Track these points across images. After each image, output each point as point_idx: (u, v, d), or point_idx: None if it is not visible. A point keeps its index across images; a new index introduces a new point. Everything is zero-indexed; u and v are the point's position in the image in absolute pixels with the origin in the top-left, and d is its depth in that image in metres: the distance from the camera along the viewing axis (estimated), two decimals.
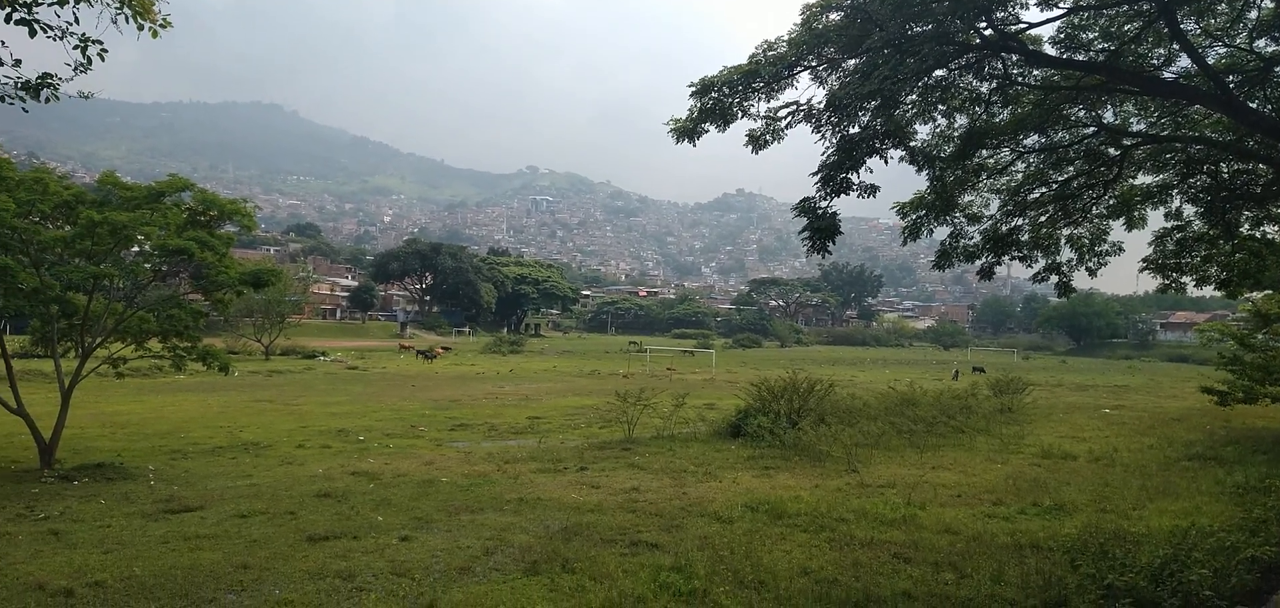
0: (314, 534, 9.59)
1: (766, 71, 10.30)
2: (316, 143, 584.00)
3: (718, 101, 10.50)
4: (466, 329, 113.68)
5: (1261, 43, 12.51)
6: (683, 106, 10.94)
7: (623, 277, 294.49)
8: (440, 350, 68.51)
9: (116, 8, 6.38)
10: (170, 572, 8.04)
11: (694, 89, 10.59)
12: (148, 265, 15.96)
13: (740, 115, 10.77)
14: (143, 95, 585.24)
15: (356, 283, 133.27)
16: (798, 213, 10.25)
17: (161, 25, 6.59)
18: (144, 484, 13.32)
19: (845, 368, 58.08)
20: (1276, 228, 14.97)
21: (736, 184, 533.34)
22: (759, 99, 10.72)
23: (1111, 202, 14.60)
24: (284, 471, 15.03)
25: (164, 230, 14.94)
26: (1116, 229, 14.86)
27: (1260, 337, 22.12)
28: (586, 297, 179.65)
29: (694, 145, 10.97)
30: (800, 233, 10.21)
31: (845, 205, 10.81)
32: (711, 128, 10.73)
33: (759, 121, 10.86)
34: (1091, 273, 14.71)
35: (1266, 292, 23.21)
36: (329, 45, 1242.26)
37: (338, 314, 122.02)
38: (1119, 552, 8.64)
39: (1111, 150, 13.92)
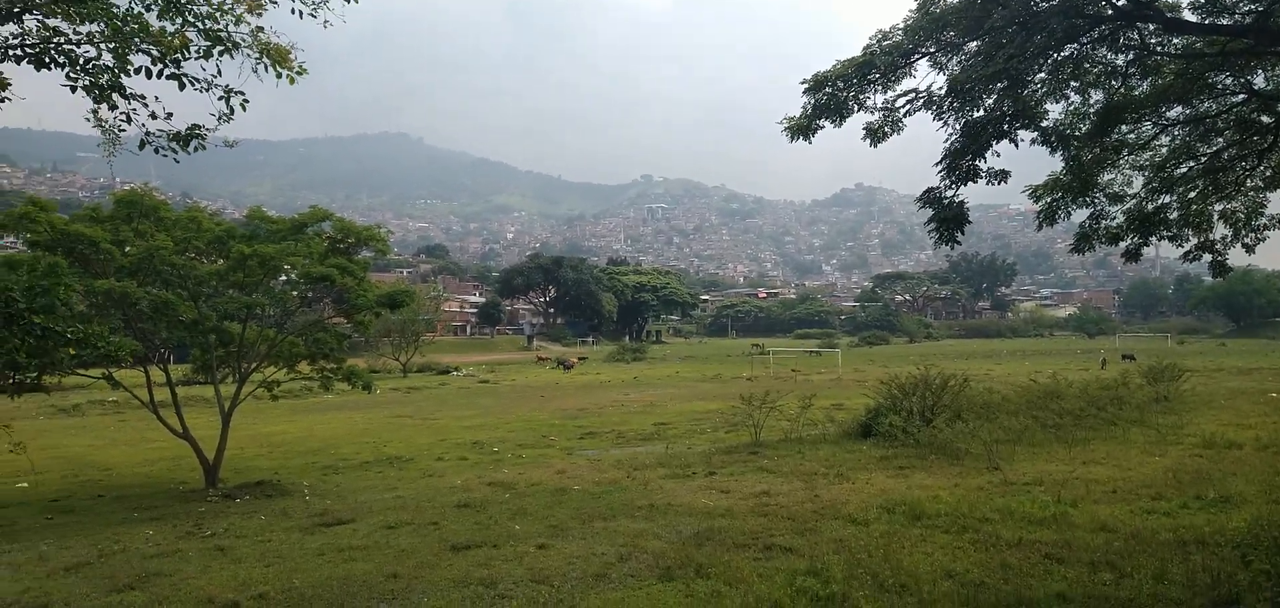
0: (457, 544, 9.97)
1: (882, 61, 10.05)
2: (440, 167, 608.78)
3: (832, 96, 10.30)
4: (590, 339, 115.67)
5: None
6: (796, 104, 10.81)
7: (741, 279, 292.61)
8: (576, 361, 70.17)
9: (257, 58, 6.88)
10: (326, 583, 8.53)
11: (807, 85, 10.44)
12: (294, 292, 17.00)
13: (856, 108, 10.53)
14: (282, 134, 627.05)
15: (484, 299, 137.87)
16: (922, 204, 9.93)
17: (298, 72, 7.05)
18: (299, 500, 14.19)
19: (979, 361, 55.77)
20: None
21: (854, 178, 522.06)
22: (875, 90, 10.46)
23: (1268, 172, 13.48)
24: (426, 483, 15.70)
25: (308, 259, 15.89)
26: (1275, 201, 13.75)
27: None
28: (705, 301, 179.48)
29: (809, 142, 10.82)
30: (926, 224, 9.88)
31: (972, 193, 10.42)
32: (826, 124, 10.54)
33: (876, 113, 10.59)
34: (1248, 249, 13.61)
35: None
36: (448, 72, 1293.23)
37: (468, 330, 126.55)
38: None
39: (1265, 118, 12.86)
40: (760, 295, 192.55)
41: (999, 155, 9.36)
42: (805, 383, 40.12)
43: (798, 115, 10.51)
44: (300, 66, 7.14)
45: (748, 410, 19.91)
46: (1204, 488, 12.26)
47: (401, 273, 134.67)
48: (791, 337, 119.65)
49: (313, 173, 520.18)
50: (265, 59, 6.90)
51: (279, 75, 7.00)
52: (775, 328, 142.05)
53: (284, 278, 17.02)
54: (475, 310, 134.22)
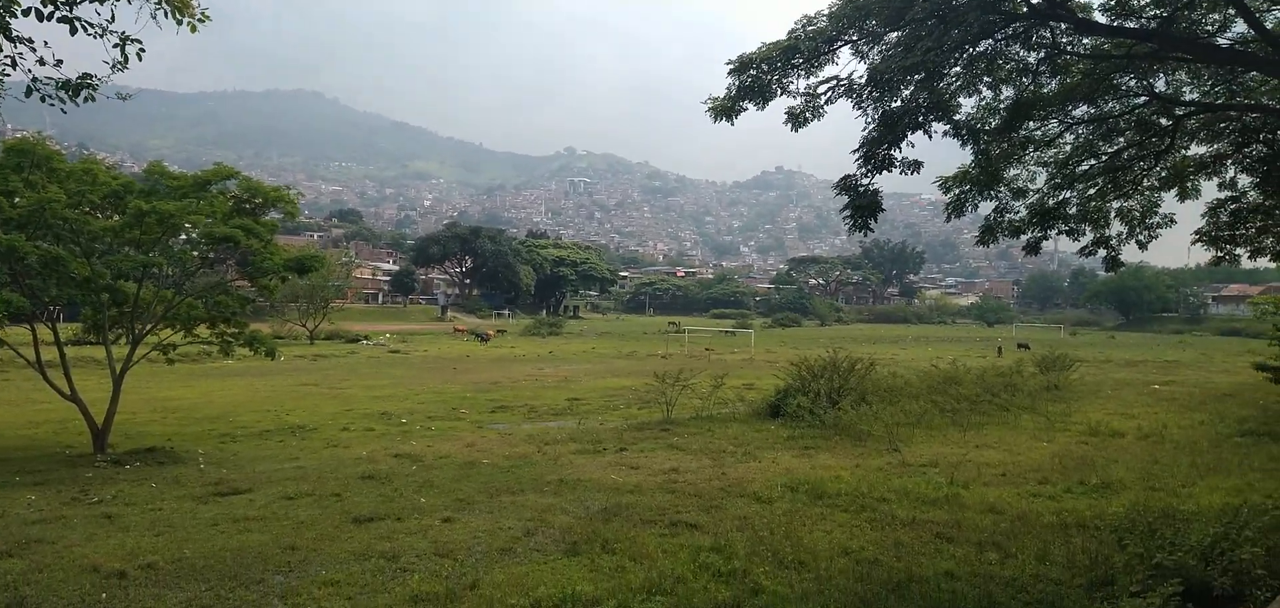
0: (359, 516, 9.73)
1: (806, 47, 10.11)
2: (357, 129, 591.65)
3: (756, 79, 10.32)
4: (506, 312, 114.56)
5: None
6: (721, 84, 10.79)
7: (661, 257, 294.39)
8: (494, 333, 69.44)
9: (155, 4, 6.45)
10: (220, 553, 8.21)
11: (732, 67, 10.43)
12: (195, 253, 16.28)
13: (779, 92, 10.58)
14: (188, 86, 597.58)
15: (397, 267, 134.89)
16: (838, 190, 10.07)
17: (200, 20, 6.64)
18: (194, 468, 13.64)
19: (886, 346, 57.48)
20: None
21: (775, 162, 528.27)
22: (799, 76, 10.53)
23: (1163, 173, 14.17)
24: (329, 453, 15.29)
25: (210, 218, 15.23)
26: (1168, 201, 14.43)
27: None
28: (624, 278, 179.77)
29: (732, 124, 10.84)
30: (841, 211, 10.03)
31: (886, 182, 10.59)
32: (750, 106, 10.56)
33: (798, 99, 10.66)
34: (1141, 246, 14.30)
35: None
36: (367, 30, 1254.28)
37: (380, 298, 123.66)
38: (1168, 531, 8.43)
39: (1163, 120, 13.49)
40: (679, 274, 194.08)
41: (913, 146, 9.55)
42: (718, 362, 40.62)
43: (722, 96, 10.50)
44: (203, 13, 6.72)
45: (661, 388, 20.04)
46: (1087, 474, 12.90)
47: (311, 237, 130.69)
48: (708, 316, 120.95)
49: (220, 128, 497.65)
50: (165, 5, 6.46)
51: (179, 22, 6.57)
52: (692, 307, 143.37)
53: (184, 237, 16.33)
54: (388, 279, 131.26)
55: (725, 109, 10.47)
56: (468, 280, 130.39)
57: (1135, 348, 59.09)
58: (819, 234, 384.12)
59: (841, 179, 9.96)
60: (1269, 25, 12.61)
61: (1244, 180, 14.41)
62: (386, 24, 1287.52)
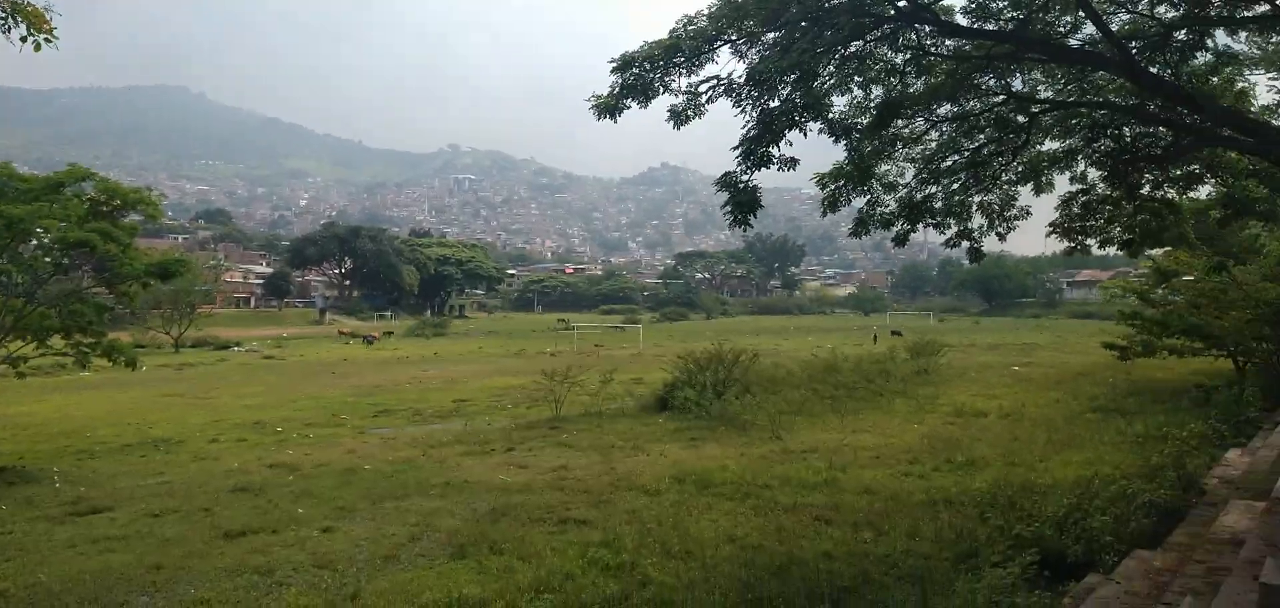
0: (231, 531, 9.30)
1: (687, 46, 10.25)
2: (225, 125, 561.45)
3: (639, 77, 10.38)
4: (388, 313, 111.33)
5: (1162, 9, 12.99)
6: (605, 82, 10.82)
7: (549, 254, 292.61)
8: (379, 335, 67.37)
9: (4, 16, 5.90)
10: (78, 576, 7.69)
11: (615, 64, 10.46)
12: (47, 259, 15.17)
13: (662, 90, 10.69)
14: (39, 81, 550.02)
15: (272, 270, 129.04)
16: (719, 187, 10.26)
17: (49, 38, 6.08)
18: (48, 487, 12.69)
19: (770, 337, 58.96)
20: (1176, 189, 15.62)
21: (661, 158, 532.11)
22: (680, 74, 10.66)
23: (1020, 168, 15.01)
24: (198, 467, 14.51)
25: (64, 222, 14.25)
26: (1025, 194, 15.32)
27: (1160, 292, 23.13)
28: (512, 276, 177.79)
29: (615, 121, 10.88)
30: (722, 207, 10.24)
31: (768, 178, 10.86)
32: (633, 104, 10.63)
33: (680, 97, 10.81)
34: (1001, 237, 15.13)
35: (1165, 249, 24.32)
36: (234, 22, 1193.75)
37: (252, 303, 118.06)
38: (1026, 503, 9.01)
39: (1020, 117, 14.29)
40: (568, 271, 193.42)
41: (791, 143, 9.82)
42: (607, 358, 40.72)
43: (606, 93, 10.52)
44: (51, 33, 6.14)
45: (549, 386, 19.93)
46: (954, 453, 13.63)
47: (176, 239, 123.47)
48: (597, 312, 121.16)
49: (76, 126, 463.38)
50: (13, 17, 5.92)
51: (33, 39, 6.01)
52: (582, 303, 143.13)
53: (35, 243, 15.19)
54: (262, 282, 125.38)
55: (609, 106, 10.49)
56: (347, 282, 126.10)
57: (997, 332, 62.70)
58: (705, 229, 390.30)
59: (722, 176, 10.16)
60: (1114, 27, 13.59)
61: (1093, 174, 15.44)
62: (255, 16, 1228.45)
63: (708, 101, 10.70)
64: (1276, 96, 20.20)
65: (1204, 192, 15.86)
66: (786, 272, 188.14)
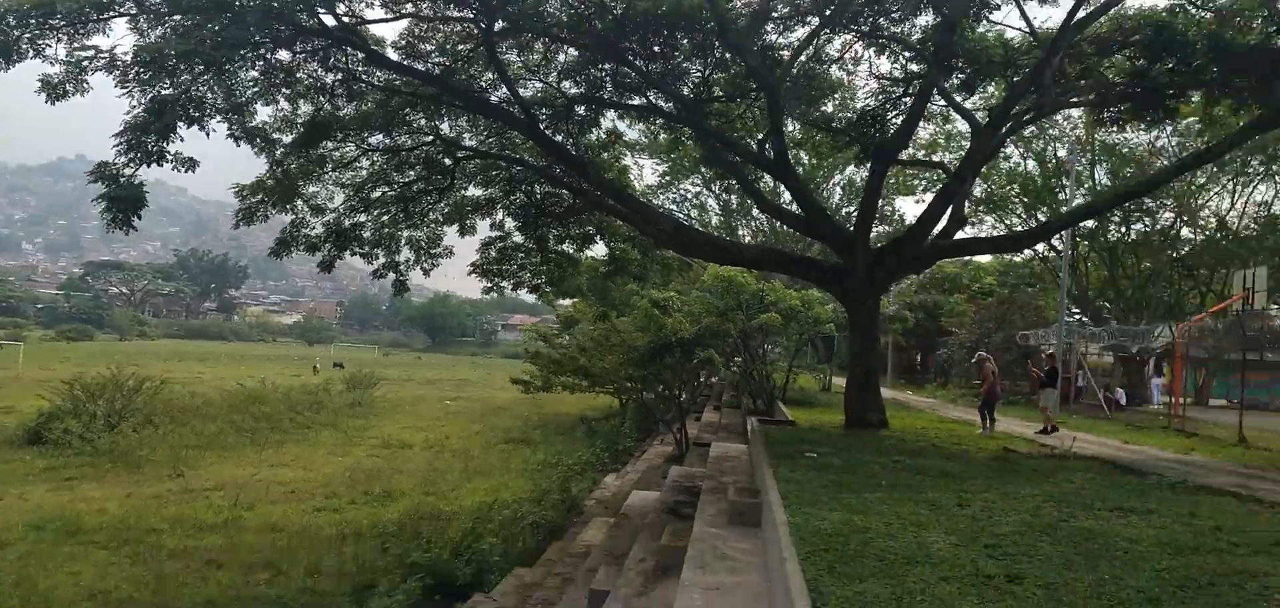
0: None
1: (66, 7, 8.61)
2: None
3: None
4: None
5: (567, 85, 14.84)
6: None
7: None
8: None
9: None
10: None
11: None
12: None
13: (32, 53, 8.82)
14: None
15: None
16: (93, 178, 8.68)
17: None
18: None
19: (193, 364, 53.10)
20: (575, 245, 17.91)
21: (79, 148, 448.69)
22: (57, 39, 8.93)
23: (446, 208, 15.83)
24: None
25: None
26: (451, 234, 16.18)
27: (567, 337, 26.31)
28: None
29: None
30: (96, 201, 8.60)
31: (213, 189, 9.69)
32: None
33: (57, 66, 9.03)
34: (426, 273, 15.77)
35: (574, 299, 27.83)
36: None
37: None
38: (431, 531, 9.31)
39: (447, 160, 15.07)
40: None
41: (183, 139, 8.72)
42: None
43: None
44: None
45: None
46: (373, 484, 13.61)
47: None
48: None
49: None
50: None
51: None
52: None
53: None
54: None
55: None
56: None
57: (438, 368, 65.58)
58: (130, 239, 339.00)
59: (97, 167, 8.64)
60: (527, 93, 15.09)
61: (510, 223, 16.96)
62: None
63: (93, 75, 9.12)
64: (657, 179, 24.44)
65: (601, 250, 18.59)
66: (225, 294, 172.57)
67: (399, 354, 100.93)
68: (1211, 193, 27.09)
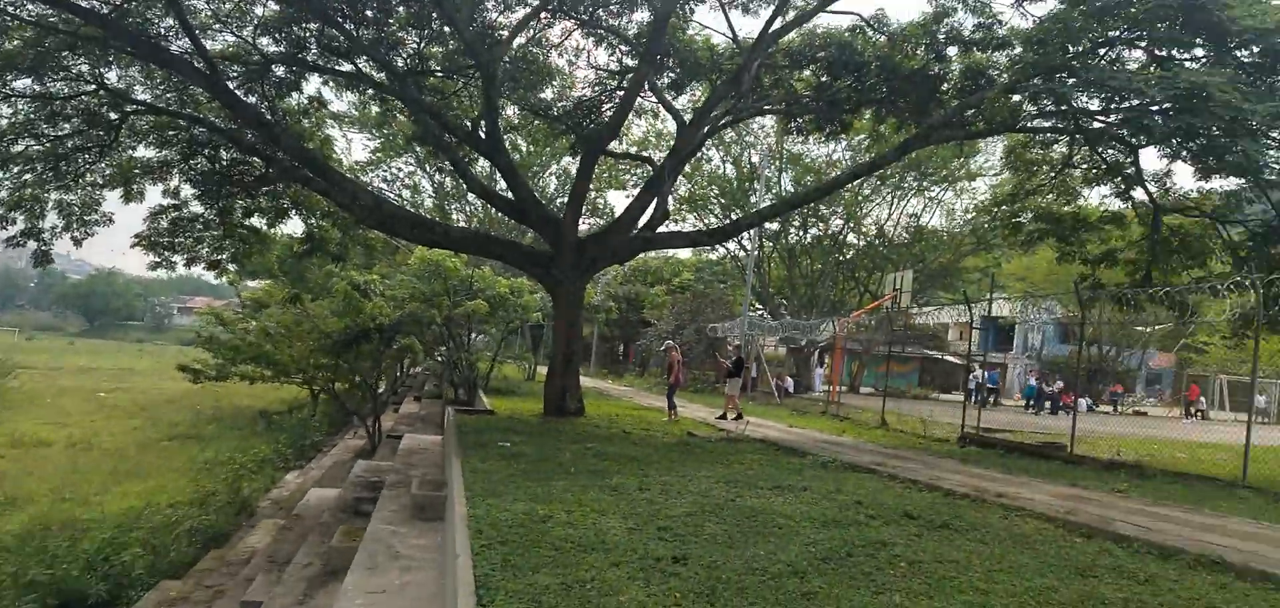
0: None
1: None
2: None
3: None
4: None
5: (266, 41, 13.52)
6: None
7: None
8: None
9: None
10: None
11: None
12: None
13: None
14: None
15: None
16: None
17: None
18: None
19: None
20: (265, 219, 16.36)
21: None
22: None
23: (108, 170, 13.86)
24: None
25: None
26: (113, 200, 14.16)
27: (253, 322, 23.97)
28: None
29: None
30: None
31: None
32: None
33: None
34: (77, 242, 13.74)
35: (265, 281, 25.53)
36: None
37: None
38: (62, 543, 8.02)
39: (113, 114, 13.22)
40: None
41: None
42: None
43: None
44: None
45: None
46: None
47: None
48: None
49: None
50: None
51: None
52: None
53: None
54: None
55: None
56: None
57: (94, 355, 57.52)
58: None
59: None
60: (217, 46, 13.60)
61: (187, 190, 15.11)
62: None
63: None
64: (367, 155, 23.13)
65: (297, 226, 17.14)
66: None
67: (48, 338, 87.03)
68: (873, 203, 31.32)
